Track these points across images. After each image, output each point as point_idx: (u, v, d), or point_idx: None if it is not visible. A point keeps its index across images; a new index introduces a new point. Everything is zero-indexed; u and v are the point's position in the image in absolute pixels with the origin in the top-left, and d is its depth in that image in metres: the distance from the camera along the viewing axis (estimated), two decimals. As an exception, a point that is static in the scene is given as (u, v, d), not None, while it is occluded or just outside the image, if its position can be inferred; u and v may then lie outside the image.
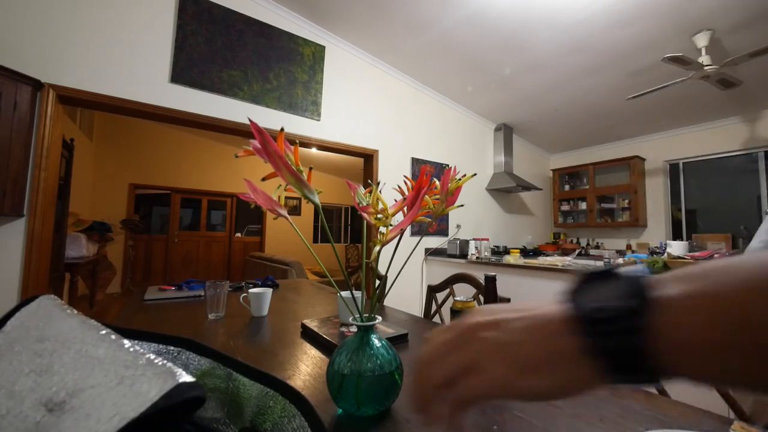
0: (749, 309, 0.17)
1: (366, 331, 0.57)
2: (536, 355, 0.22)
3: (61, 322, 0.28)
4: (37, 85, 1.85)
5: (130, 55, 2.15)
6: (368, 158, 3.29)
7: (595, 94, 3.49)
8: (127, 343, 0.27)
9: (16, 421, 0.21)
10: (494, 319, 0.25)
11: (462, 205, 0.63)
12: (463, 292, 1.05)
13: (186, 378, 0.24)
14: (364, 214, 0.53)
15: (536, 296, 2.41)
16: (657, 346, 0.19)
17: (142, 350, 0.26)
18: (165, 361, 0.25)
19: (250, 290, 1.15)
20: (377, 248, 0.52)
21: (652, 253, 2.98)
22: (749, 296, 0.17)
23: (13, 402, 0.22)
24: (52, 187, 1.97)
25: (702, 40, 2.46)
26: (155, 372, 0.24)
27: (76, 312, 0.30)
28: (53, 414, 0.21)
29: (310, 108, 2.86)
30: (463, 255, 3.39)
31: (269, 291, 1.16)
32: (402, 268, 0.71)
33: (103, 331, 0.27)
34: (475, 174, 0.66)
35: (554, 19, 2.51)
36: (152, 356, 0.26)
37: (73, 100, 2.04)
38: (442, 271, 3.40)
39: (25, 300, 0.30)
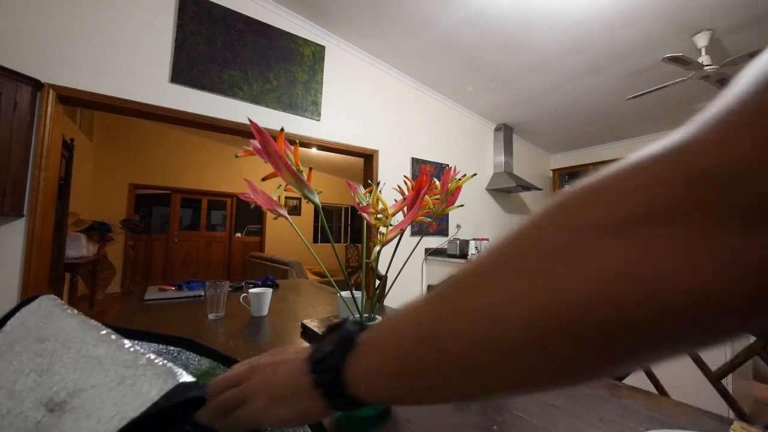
0: (394, 353, 0.23)
1: (366, 331, 0.57)
2: (286, 391, 0.28)
3: (62, 322, 0.28)
4: (37, 85, 1.85)
5: (130, 55, 2.15)
6: (368, 158, 3.29)
7: (595, 94, 3.49)
8: (127, 343, 0.27)
9: (16, 421, 0.21)
10: (272, 360, 0.31)
11: (462, 205, 0.63)
12: (463, 292, 1.05)
13: (186, 378, 0.24)
14: (364, 214, 0.53)
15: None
16: (350, 380, 0.25)
17: (142, 350, 0.26)
18: (165, 361, 0.25)
19: (250, 290, 1.14)
20: (377, 248, 0.52)
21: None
22: (395, 345, 0.23)
23: (14, 402, 0.22)
24: (52, 187, 1.97)
25: (702, 40, 2.46)
26: (155, 372, 0.24)
27: (76, 312, 0.30)
28: (54, 414, 0.21)
29: (310, 108, 2.86)
30: (463, 255, 3.39)
31: (269, 291, 1.16)
32: (402, 268, 0.71)
33: (104, 331, 0.27)
34: (475, 174, 0.66)
35: (554, 19, 2.51)
36: (152, 356, 0.26)
37: (73, 100, 2.04)
38: (442, 271, 3.40)
39: (26, 300, 0.30)
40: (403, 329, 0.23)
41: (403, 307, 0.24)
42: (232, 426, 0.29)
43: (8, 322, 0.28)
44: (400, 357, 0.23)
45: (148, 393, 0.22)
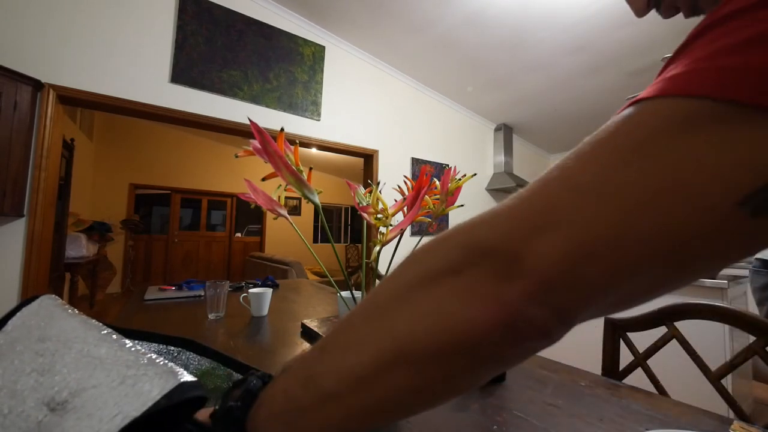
0: (284, 398, 0.26)
1: (366, 331, 0.57)
2: None
3: (63, 322, 0.28)
4: (37, 86, 1.85)
5: (130, 55, 2.15)
6: (368, 158, 3.29)
7: (595, 94, 3.49)
8: (128, 342, 0.27)
9: (18, 420, 0.21)
10: None
11: (462, 205, 0.63)
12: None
13: (187, 378, 0.24)
14: (364, 214, 0.53)
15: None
16: (249, 429, 0.26)
17: (143, 350, 0.26)
18: (166, 361, 0.25)
19: (250, 290, 1.14)
20: (377, 248, 0.52)
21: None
22: (285, 392, 0.26)
23: (15, 401, 0.22)
24: (52, 188, 1.97)
25: (702, 40, 2.46)
26: (157, 371, 0.24)
27: (77, 312, 0.30)
28: (55, 413, 0.21)
29: (310, 108, 2.86)
30: (463, 255, 3.39)
31: (269, 291, 1.16)
32: (402, 268, 0.71)
33: (105, 331, 0.27)
34: (475, 174, 0.66)
35: (554, 19, 2.51)
36: (154, 356, 0.26)
37: (73, 100, 2.04)
38: (442, 271, 3.40)
39: (26, 300, 0.30)
40: (293, 375, 0.26)
41: (301, 353, 0.28)
42: None
43: (9, 322, 0.28)
44: (288, 401, 0.25)
45: (149, 392, 0.22)
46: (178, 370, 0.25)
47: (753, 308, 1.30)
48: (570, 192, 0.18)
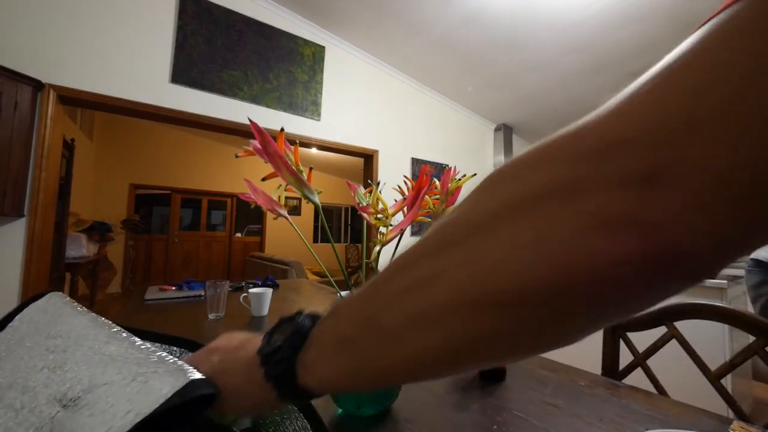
0: (337, 339, 0.24)
1: (366, 331, 0.57)
2: (239, 382, 0.28)
3: (72, 319, 0.28)
4: (37, 86, 1.85)
5: (130, 55, 2.15)
6: (368, 158, 3.29)
7: (595, 94, 3.49)
8: (138, 340, 0.27)
9: (31, 416, 0.21)
10: (225, 349, 0.31)
11: (462, 205, 0.63)
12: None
13: (197, 375, 0.24)
14: (364, 214, 0.54)
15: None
16: (300, 372, 0.25)
17: (153, 348, 0.26)
18: (175, 359, 0.26)
19: (250, 290, 1.15)
20: (377, 248, 0.52)
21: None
22: (337, 332, 0.25)
23: (28, 397, 0.22)
24: (52, 187, 1.97)
25: (702, 40, 2.46)
26: (167, 369, 0.24)
27: (85, 309, 0.30)
28: (68, 409, 0.22)
29: (310, 108, 2.87)
30: (463, 255, 3.40)
31: (269, 291, 1.16)
32: (402, 268, 0.71)
33: (114, 329, 0.28)
34: (475, 174, 0.66)
35: (554, 19, 2.51)
36: (164, 354, 0.26)
37: (73, 101, 2.04)
38: (442, 271, 3.40)
39: (33, 296, 0.30)
40: (345, 315, 0.24)
41: (351, 293, 0.25)
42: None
43: (16, 317, 0.28)
44: (342, 343, 0.23)
45: (160, 390, 0.22)
46: (187, 368, 0.25)
47: (752, 307, 1.30)
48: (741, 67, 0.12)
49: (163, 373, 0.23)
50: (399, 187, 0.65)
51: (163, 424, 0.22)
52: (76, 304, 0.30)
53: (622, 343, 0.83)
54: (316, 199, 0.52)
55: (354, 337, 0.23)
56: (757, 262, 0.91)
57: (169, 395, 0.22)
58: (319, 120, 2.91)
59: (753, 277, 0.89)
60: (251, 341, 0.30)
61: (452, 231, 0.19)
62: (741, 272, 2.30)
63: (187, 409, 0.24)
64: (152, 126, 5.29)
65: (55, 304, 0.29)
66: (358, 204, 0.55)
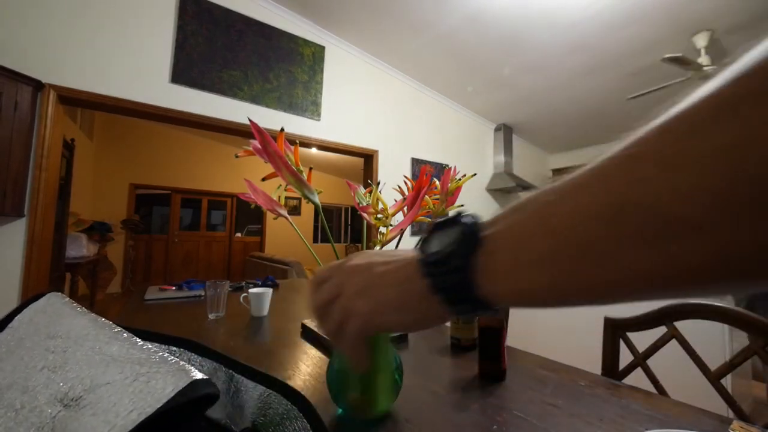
0: (531, 238, 0.20)
1: (366, 331, 0.57)
2: (395, 296, 0.26)
3: (72, 320, 0.28)
4: (37, 86, 1.85)
5: (130, 55, 2.15)
6: (368, 158, 3.29)
7: (595, 94, 3.49)
8: (139, 341, 0.27)
9: (31, 415, 0.21)
10: (366, 262, 0.28)
11: (462, 206, 0.63)
12: (463, 292, 1.05)
13: (199, 375, 0.24)
14: (364, 214, 0.54)
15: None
16: (478, 280, 0.22)
17: (154, 348, 0.27)
18: (177, 359, 0.26)
19: (250, 290, 1.14)
20: (377, 248, 0.52)
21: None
22: (534, 229, 0.20)
23: (28, 397, 0.22)
24: (52, 187, 1.97)
25: (701, 41, 2.46)
26: (169, 369, 0.24)
27: (85, 310, 0.30)
28: (70, 409, 0.22)
29: (310, 108, 2.87)
30: (463, 255, 3.39)
31: (269, 291, 1.16)
32: (402, 268, 0.71)
33: (116, 329, 0.28)
34: (475, 174, 0.66)
35: (554, 19, 2.51)
36: (165, 354, 0.26)
37: (73, 101, 2.04)
38: (442, 271, 3.40)
39: (32, 297, 0.30)
40: (562, 208, 0.19)
41: (537, 193, 0.22)
42: (335, 332, 0.28)
43: (16, 318, 0.28)
44: (539, 251, 0.20)
45: (163, 390, 0.22)
46: (189, 368, 0.25)
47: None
48: None
49: (165, 373, 0.24)
50: (399, 187, 0.65)
51: (165, 424, 0.22)
52: (75, 304, 0.30)
53: (622, 343, 0.83)
54: (316, 199, 0.52)
55: (557, 246, 0.19)
56: None
57: (172, 395, 0.22)
58: (319, 120, 2.91)
59: None
60: (396, 253, 0.28)
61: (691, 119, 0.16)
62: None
63: (190, 408, 0.24)
64: (152, 126, 5.29)
65: (55, 304, 0.29)
66: (358, 204, 0.55)
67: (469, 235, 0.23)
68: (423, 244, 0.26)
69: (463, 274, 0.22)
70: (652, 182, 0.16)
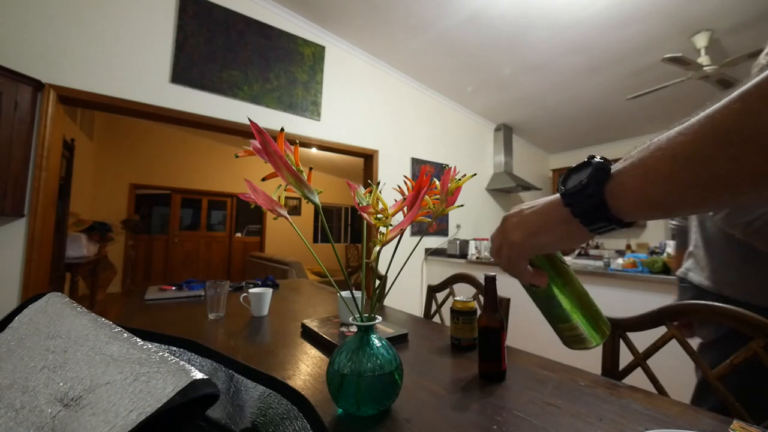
0: (657, 168, 0.28)
1: (366, 331, 0.57)
2: (543, 223, 0.36)
3: (72, 320, 0.28)
4: (37, 86, 1.85)
5: (130, 55, 2.15)
6: (368, 158, 3.29)
7: (595, 94, 3.49)
8: (139, 341, 0.27)
9: (31, 415, 0.21)
10: (517, 211, 0.39)
11: (462, 205, 0.63)
12: (463, 292, 1.05)
13: (199, 375, 0.24)
14: (364, 214, 0.54)
15: (536, 296, 2.40)
16: (609, 202, 0.30)
17: (154, 348, 0.27)
18: (177, 359, 0.26)
19: (250, 290, 1.15)
20: (377, 248, 0.52)
21: (652, 252, 2.98)
22: (658, 162, 0.28)
23: (28, 397, 0.22)
24: (52, 188, 1.97)
25: (701, 41, 2.46)
26: (169, 369, 0.24)
27: (86, 310, 0.30)
28: (69, 409, 0.22)
29: (310, 108, 2.87)
30: (463, 255, 3.40)
31: (269, 291, 1.16)
32: (402, 268, 0.71)
33: (116, 329, 0.28)
34: (475, 174, 0.66)
35: (554, 19, 2.51)
36: (165, 354, 0.26)
37: (73, 101, 2.04)
38: (442, 271, 3.40)
39: (32, 297, 0.30)
40: (682, 138, 0.27)
41: (658, 138, 0.29)
42: (506, 263, 0.39)
43: (16, 318, 0.28)
44: (683, 161, 0.26)
45: (163, 390, 0.22)
46: (189, 368, 0.25)
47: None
48: None
49: (165, 373, 0.24)
50: (399, 187, 0.65)
51: (165, 424, 0.22)
52: (75, 304, 0.30)
53: (622, 343, 0.83)
54: (316, 199, 0.52)
55: (675, 166, 0.26)
56: (682, 279, 1.02)
57: (172, 395, 0.22)
58: (319, 120, 2.91)
59: (687, 292, 0.98)
60: (539, 200, 0.37)
61: None
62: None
63: (190, 408, 0.24)
64: (152, 126, 5.29)
65: (55, 304, 0.29)
66: (358, 204, 0.55)
67: (600, 170, 0.31)
68: (561, 184, 0.34)
69: (597, 199, 0.30)
70: (760, 114, 0.23)
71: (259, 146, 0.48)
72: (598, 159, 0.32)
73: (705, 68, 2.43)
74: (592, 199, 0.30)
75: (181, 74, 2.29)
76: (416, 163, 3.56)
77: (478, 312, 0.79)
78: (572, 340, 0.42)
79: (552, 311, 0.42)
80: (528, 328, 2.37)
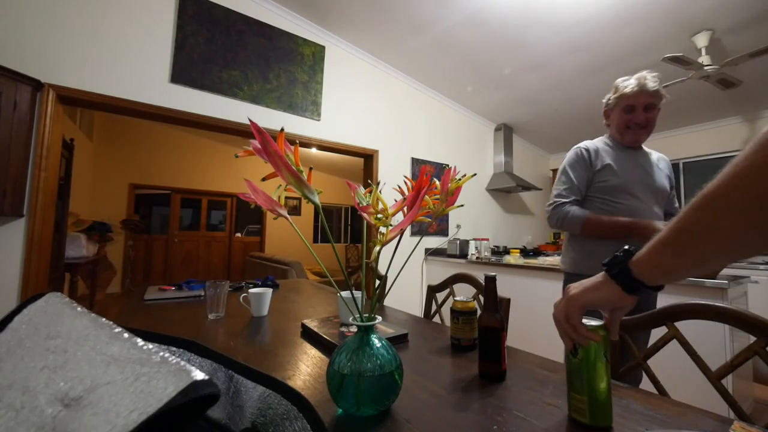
0: (655, 248, 0.44)
1: (366, 331, 0.57)
2: (592, 284, 0.51)
3: (72, 320, 0.28)
4: (37, 85, 1.85)
5: (130, 55, 2.15)
6: (368, 158, 3.29)
7: (595, 94, 3.48)
8: (139, 341, 0.27)
9: (32, 415, 0.21)
10: (579, 283, 0.54)
11: (462, 205, 0.63)
12: (463, 292, 1.05)
13: (200, 375, 0.24)
14: (364, 214, 0.53)
15: (536, 296, 2.41)
16: (634, 269, 0.46)
17: (154, 348, 0.27)
18: (178, 359, 0.26)
19: (250, 290, 1.15)
20: (377, 248, 0.52)
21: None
22: (663, 249, 0.43)
23: (28, 397, 0.22)
24: (52, 187, 1.97)
25: (702, 40, 2.46)
26: (170, 369, 0.24)
27: (86, 310, 0.30)
28: (70, 409, 0.22)
29: (310, 108, 2.86)
30: (463, 255, 3.39)
31: (269, 291, 1.16)
32: (402, 268, 0.71)
33: (116, 330, 0.28)
34: (475, 174, 0.66)
35: (554, 19, 2.51)
36: (166, 354, 0.26)
37: (73, 100, 2.04)
38: (442, 271, 3.40)
39: (32, 297, 0.30)
40: (664, 235, 0.42)
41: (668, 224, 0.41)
42: (563, 316, 0.52)
43: (15, 318, 0.28)
44: (678, 231, 0.39)
45: (164, 389, 0.22)
46: (190, 368, 0.25)
47: (753, 308, 1.30)
48: None
49: (166, 373, 0.24)
50: (399, 187, 0.65)
51: (166, 424, 0.22)
52: (75, 304, 0.30)
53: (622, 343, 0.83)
54: (316, 199, 0.52)
55: (692, 223, 0.39)
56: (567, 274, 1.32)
57: (173, 395, 0.22)
58: (319, 120, 2.91)
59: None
60: (597, 277, 0.52)
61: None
62: (742, 272, 2.30)
63: (190, 408, 0.24)
64: (152, 126, 5.28)
65: (55, 304, 0.29)
66: (358, 204, 0.55)
67: (627, 249, 0.48)
68: (609, 260, 0.50)
69: (623, 266, 0.47)
70: None
71: (259, 146, 0.48)
72: (628, 248, 0.49)
73: (705, 68, 2.43)
74: (620, 265, 0.47)
75: (181, 74, 2.29)
76: (416, 163, 3.56)
77: (478, 312, 0.79)
78: (573, 408, 0.53)
79: (574, 379, 0.53)
80: (528, 328, 2.38)
